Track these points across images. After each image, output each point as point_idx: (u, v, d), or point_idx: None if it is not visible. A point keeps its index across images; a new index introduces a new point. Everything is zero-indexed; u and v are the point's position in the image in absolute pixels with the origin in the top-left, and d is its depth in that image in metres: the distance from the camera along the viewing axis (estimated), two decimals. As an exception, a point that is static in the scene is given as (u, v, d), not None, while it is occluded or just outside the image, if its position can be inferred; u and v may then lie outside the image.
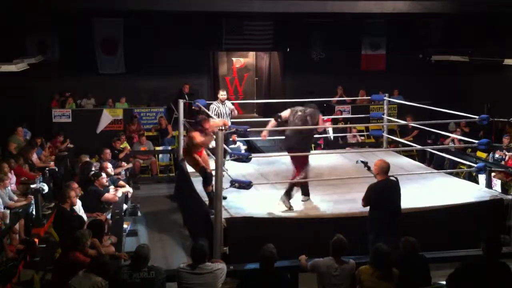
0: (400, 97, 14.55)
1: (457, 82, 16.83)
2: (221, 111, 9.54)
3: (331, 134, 13.04)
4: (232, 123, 9.69)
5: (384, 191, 6.50)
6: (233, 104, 10.08)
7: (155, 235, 8.84)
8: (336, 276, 5.36)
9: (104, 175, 8.71)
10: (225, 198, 7.36)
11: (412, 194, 7.91)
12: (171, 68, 15.55)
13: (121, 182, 9.49)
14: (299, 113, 7.82)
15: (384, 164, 6.55)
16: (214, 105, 9.58)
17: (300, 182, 7.75)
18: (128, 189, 9.54)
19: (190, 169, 9.69)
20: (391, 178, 6.57)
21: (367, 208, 7.34)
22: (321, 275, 5.42)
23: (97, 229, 6.60)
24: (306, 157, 7.88)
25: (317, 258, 5.53)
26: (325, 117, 13.65)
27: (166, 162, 13.23)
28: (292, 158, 7.90)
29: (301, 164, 7.80)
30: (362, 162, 7.02)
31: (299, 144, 7.76)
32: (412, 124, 11.93)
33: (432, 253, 6.51)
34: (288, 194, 7.56)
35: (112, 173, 9.55)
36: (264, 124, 13.07)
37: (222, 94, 9.60)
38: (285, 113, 7.99)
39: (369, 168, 6.88)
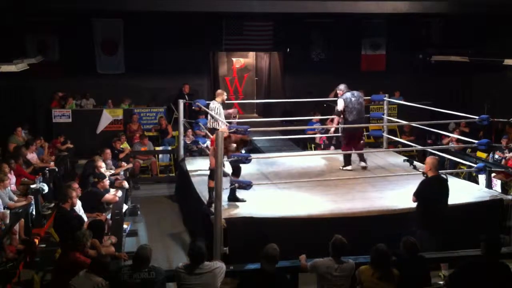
0: (400, 99, 14.55)
1: (457, 83, 16.83)
2: (220, 111, 9.54)
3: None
4: (232, 123, 9.78)
5: (435, 187, 6.81)
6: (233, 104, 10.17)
7: (155, 235, 8.83)
8: (336, 276, 5.36)
9: (107, 177, 8.72)
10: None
11: (412, 195, 7.91)
12: (171, 68, 15.55)
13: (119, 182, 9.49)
14: (353, 99, 9.28)
15: (435, 161, 6.95)
16: (216, 105, 9.51)
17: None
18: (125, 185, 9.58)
19: (191, 170, 9.73)
20: (442, 175, 6.92)
21: (370, 208, 7.41)
22: (321, 276, 5.42)
23: (97, 229, 6.60)
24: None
25: (317, 259, 5.53)
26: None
27: (166, 162, 13.22)
28: (359, 138, 9.66)
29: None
30: (408, 161, 7.45)
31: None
32: (414, 124, 11.91)
33: (431, 253, 6.52)
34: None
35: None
36: (265, 124, 13.20)
37: (224, 96, 9.68)
38: (341, 105, 9.32)
39: (414, 167, 7.48)
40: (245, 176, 8.72)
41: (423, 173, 6.99)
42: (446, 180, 7.00)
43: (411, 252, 5.53)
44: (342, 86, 9.49)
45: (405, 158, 8.03)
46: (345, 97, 9.32)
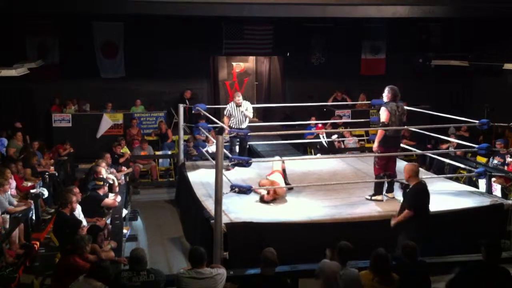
0: (400, 102, 14.51)
1: (457, 87, 16.83)
2: (233, 112, 10.11)
3: (324, 139, 12.99)
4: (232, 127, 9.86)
5: (422, 194, 6.66)
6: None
7: (155, 239, 8.83)
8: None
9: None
10: None
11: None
12: (171, 72, 15.56)
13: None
14: (397, 113, 8.06)
15: (415, 167, 6.78)
16: (229, 106, 10.23)
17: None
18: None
19: (191, 174, 9.72)
20: (422, 181, 6.77)
21: (370, 213, 7.39)
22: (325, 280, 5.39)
23: (97, 234, 6.60)
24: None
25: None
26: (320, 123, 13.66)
27: (166, 166, 13.23)
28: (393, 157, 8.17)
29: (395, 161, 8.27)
30: (400, 183, 7.30)
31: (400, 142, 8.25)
32: (413, 128, 11.91)
33: (432, 258, 6.51)
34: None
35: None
36: (265, 128, 13.21)
37: (238, 98, 10.25)
38: (384, 116, 8.01)
39: (402, 184, 7.17)
40: (245, 180, 8.76)
41: (402, 184, 6.81)
42: (426, 185, 6.77)
43: (411, 257, 5.52)
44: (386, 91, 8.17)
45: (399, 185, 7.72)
46: (386, 106, 8.03)
